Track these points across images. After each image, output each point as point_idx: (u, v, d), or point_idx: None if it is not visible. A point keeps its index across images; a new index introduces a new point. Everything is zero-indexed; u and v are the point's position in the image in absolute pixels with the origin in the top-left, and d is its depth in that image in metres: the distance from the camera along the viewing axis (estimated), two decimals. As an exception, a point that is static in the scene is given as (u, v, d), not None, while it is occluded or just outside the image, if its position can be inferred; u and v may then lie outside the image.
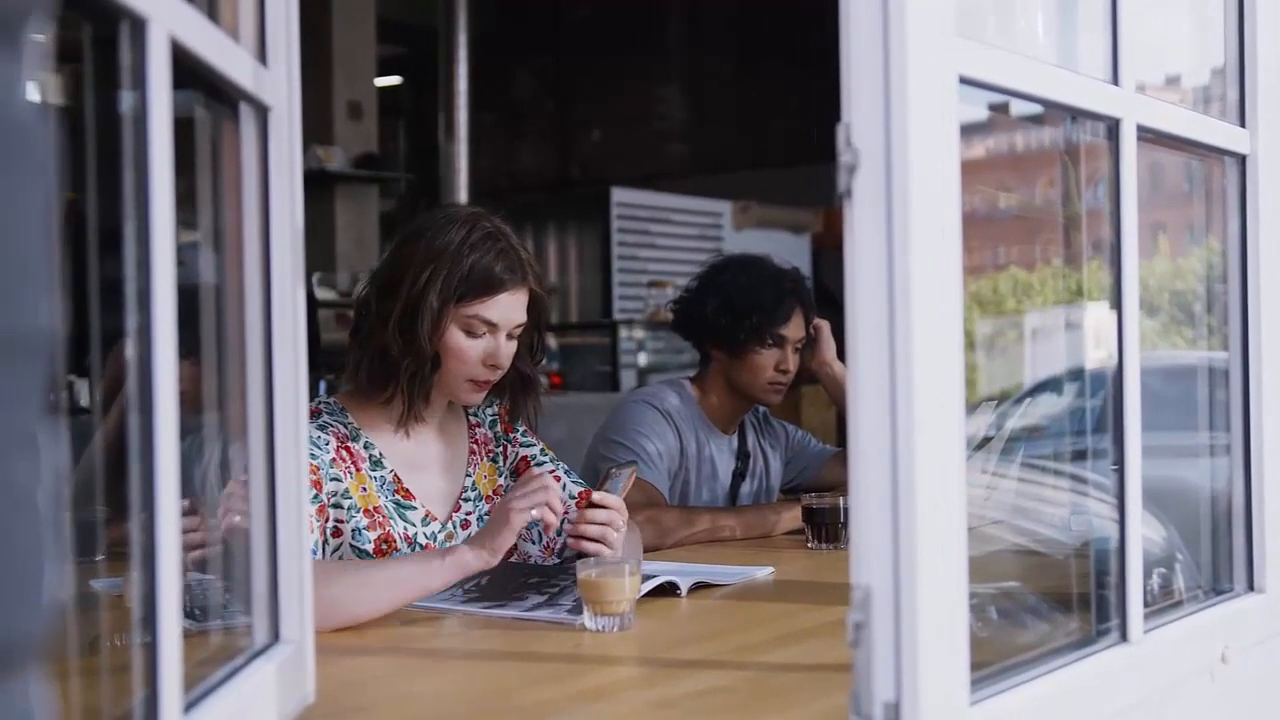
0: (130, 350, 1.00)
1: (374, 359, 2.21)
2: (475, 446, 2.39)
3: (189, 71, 1.11)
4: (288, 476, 1.38)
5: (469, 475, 2.36)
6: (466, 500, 2.34)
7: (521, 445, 2.45)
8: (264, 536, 1.36)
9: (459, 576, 1.99)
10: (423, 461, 2.30)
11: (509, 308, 2.22)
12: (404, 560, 2.05)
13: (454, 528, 2.30)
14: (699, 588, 2.20)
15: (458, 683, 1.71)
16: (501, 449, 2.43)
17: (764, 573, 2.37)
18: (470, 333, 2.21)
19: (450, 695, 1.65)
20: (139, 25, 0.99)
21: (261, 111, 1.34)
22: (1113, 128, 1.55)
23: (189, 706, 1.08)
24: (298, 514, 1.39)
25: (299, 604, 1.39)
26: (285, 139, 1.37)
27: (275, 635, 1.37)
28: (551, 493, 2.02)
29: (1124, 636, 1.54)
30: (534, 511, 1.99)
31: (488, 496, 2.37)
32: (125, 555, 1.13)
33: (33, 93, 0.58)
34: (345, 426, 2.23)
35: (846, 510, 2.70)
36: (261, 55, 1.34)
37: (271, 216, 1.36)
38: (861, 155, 1.19)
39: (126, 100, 1.00)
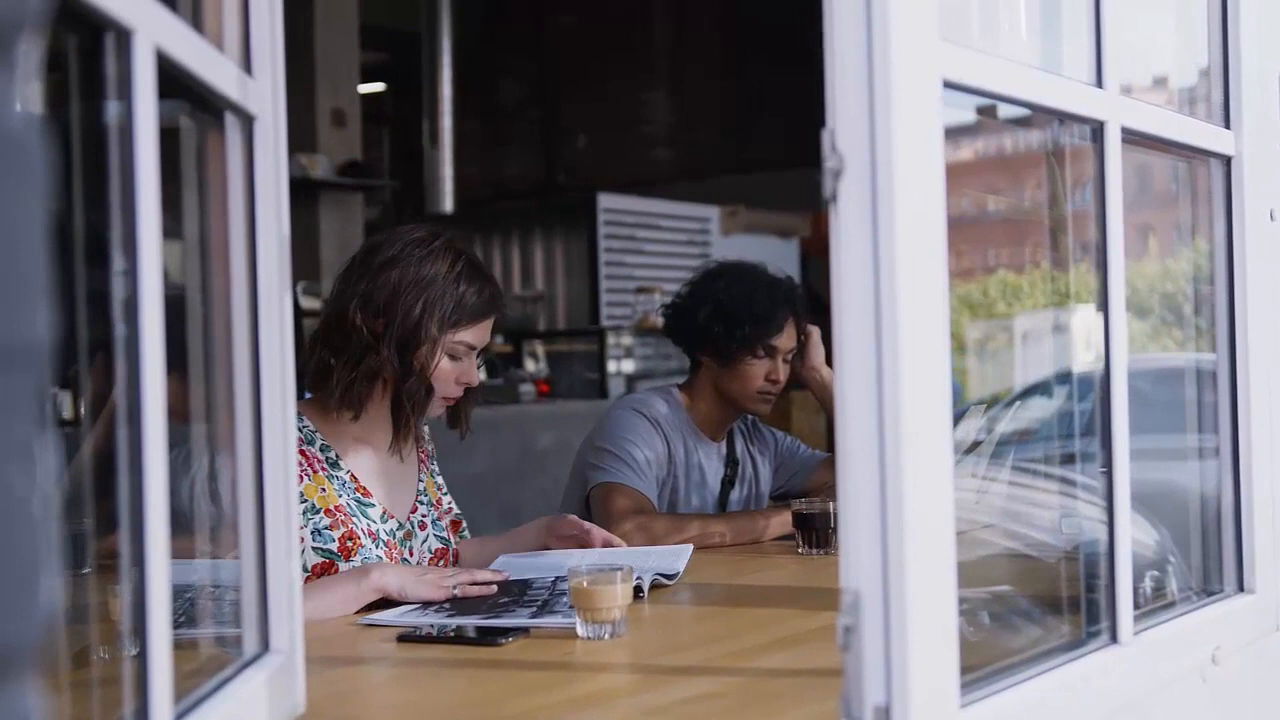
0: (117, 361, 1.00)
1: (363, 380, 2.29)
2: (424, 457, 2.52)
3: (173, 81, 1.11)
4: (276, 487, 1.37)
5: (420, 481, 2.48)
6: (421, 503, 2.46)
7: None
8: (253, 547, 1.36)
9: (376, 597, 2.11)
10: (379, 467, 2.39)
11: (487, 331, 2.38)
12: (323, 590, 2.09)
13: (412, 527, 2.42)
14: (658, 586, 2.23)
15: (448, 692, 1.70)
16: (435, 466, 2.57)
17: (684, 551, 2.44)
18: (453, 356, 2.33)
19: (441, 705, 1.64)
20: (124, 36, 0.99)
21: (247, 121, 1.34)
22: (1097, 130, 1.55)
23: (179, 717, 1.08)
24: (286, 524, 1.38)
25: (288, 614, 1.38)
26: (271, 148, 1.37)
27: (265, 645, 1.36)
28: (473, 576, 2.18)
29: (1114, 638, 1.54)
30: (457, 590, 2.14)
31: (435, 503, 2.50)
32: (112, 568, 1.12)
33: (26, 104, 0.58)
34: (300, 430, 2.28)
35: (837, 515, 2.70)
36: (246, 65, 1.34)
37: (258, 226, 1.35)
38: (846, 160, 1.19)
39: (112, 110, 1.00)
